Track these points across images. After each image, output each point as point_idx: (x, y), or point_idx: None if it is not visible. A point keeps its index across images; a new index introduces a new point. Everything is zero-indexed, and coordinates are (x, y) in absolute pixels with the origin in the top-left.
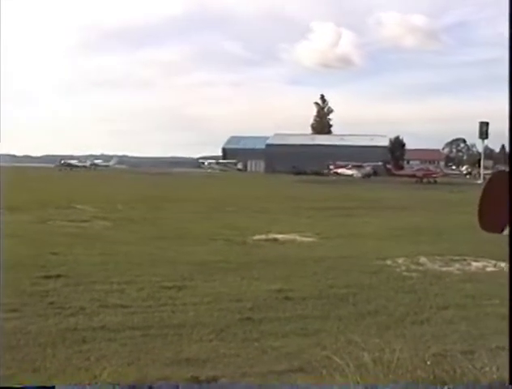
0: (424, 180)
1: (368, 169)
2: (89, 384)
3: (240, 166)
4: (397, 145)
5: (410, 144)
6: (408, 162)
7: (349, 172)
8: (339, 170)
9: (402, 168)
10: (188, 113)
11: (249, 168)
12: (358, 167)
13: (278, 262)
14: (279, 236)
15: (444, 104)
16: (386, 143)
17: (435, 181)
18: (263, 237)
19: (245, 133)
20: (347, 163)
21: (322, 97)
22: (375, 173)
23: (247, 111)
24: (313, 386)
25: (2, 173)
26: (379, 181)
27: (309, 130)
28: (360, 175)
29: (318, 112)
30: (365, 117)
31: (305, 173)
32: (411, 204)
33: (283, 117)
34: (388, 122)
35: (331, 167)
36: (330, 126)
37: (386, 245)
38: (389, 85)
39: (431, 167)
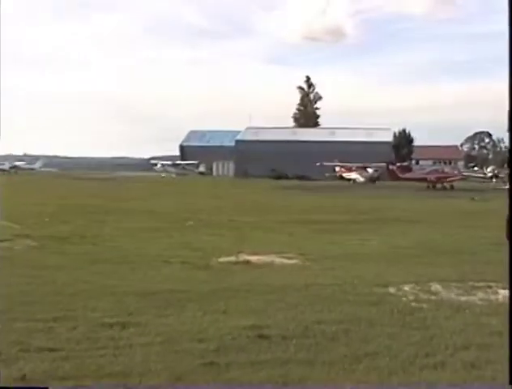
0: (438, 185)
1: (371, 172)
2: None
3: (202, 169)
4: (403, 141)
5: (420, 140)
6: (418, 162)
7: (354, 175)
8: (346, 174)
9: (410, 170)
10: (135, 102)
11: (214, 171)
12: (361, 169)
13: (251, 290)
14: (253, 257)
15: (462, 88)
16: (389, 138)
17: (452, 187)
18: (232, 259)
19: (209, 126)
20: (352, 165)
21: (308, 80)
22: (377, 177)
23: (211, 98)
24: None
25: None
26: (381, 186)
27: (291, 123)
28: (362, 179)
29: (302, 99)
30: (362, 105)
31: (286, 178)
32: (421, 216)
33: (258, 105)
34: (392, 112)
35: (337, 169)
36: (318, 116)
37: (389, 269)
38: (392, 64)
39: (447, 168)
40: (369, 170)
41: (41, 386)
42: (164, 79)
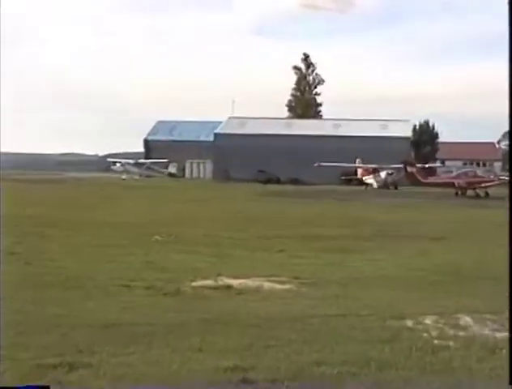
0: (470, 191)
1: (384, 176)
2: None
3: (173, 169)
4: (426, 136)
5: (446, 135)
6: (443, 163)
7: (369, 180)
8: (367, 177)
9: (433, 172)
10: (87, 84)
11: (187, 172)
12: (374, 172)
13: (232, 322)
14: (235, 281)
15: (500, 68)
16: (407, 132)
17: (486, 194)
18: (210, 283)
19: (182, 116)
20: (366, 166)
21: (306, 58)
22: (393, 182)
23: (183, 79)
24: None
25: None
26: (397, 193)
27: (285, 112)
28: (374, 185)
29: (299, 82)
30: (374, 90)
31: (278, 181)
32: (446, 231)
33: (243, 89)
34: (411, 99)
35: (359, 171)
36: (318, 105)
37: (405, 297)
38: (411, 40)
39: (480, 171)
40: (382, 174)
41: (42, 385)
42: (125, 55)
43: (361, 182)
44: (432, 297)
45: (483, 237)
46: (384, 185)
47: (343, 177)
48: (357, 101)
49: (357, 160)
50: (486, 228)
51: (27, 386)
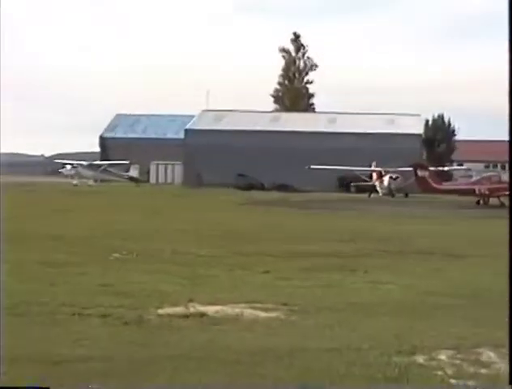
0: (494, 200)
1: (387, 181)
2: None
3: (135, 173)
4: (440, 133)
5: (465, 132)
6: (461, 165)
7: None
8: (378, 182)
9: (449, 177)
10: (30, 70)
11: (152, 176)
12: (379, 177)
13: (207, 358)
14: (211, 308)
15: None
16: (418, 128)
17: None
18: (180, 310)
19: (145, 108)
20: (373, 169)
21: (296, 39)
22: (401, 188)
23: (148, 65)
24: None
25: None
26: (406, 202)
27: (270, 104)
28: (380, 193)
29: (287, 68)
30: (378, 79)
31: (261, 187)
32: (464, 247)
33: (220, 77)
34: (422, 90)
35: (375, 175)
36: (311, 95)
37: (415, 326)
38: (420, 18)
39: (505, 175)
40: (385, 179)
41: (42, 387)
42: (79, 39)
43: (362, 189)
44: (447, 327)
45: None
46: (389, 192)
47: (352, 184)
48: (357, 91)
49: (373, 164)
50: None
51: (27, 386)
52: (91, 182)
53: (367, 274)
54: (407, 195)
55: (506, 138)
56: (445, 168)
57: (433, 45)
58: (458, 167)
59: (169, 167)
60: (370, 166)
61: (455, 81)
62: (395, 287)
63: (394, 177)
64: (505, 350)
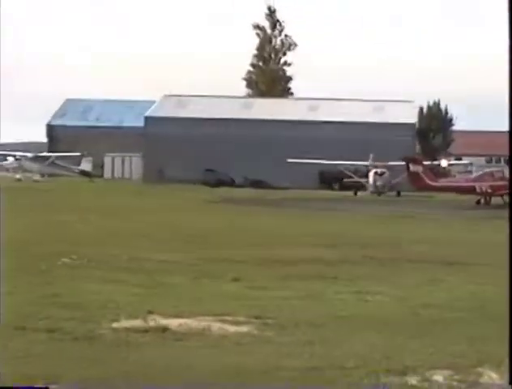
0: (496, 198)
1: (372, 178)
2: None
3: (87, 166)
4: (436, 122)
5: (463, 121)
6: (460, 159)
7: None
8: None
9: (446, 172)
10: None
11: (107, 170)
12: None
13: (169, 379)
14: (174, 321)
15: None
16: (411, 117)
17: None
18: (138, 323)
19: (100, 93)
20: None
21: (271, 14)
22: (392, 186)
23: (103, 44)
24: None
25: None
26: (397, 201)
27: (242, 88)
28: (369, 190)
29: (262, 47)
30: (365, 60)
31: (231, 184)
32: (463, 254)
33: (184, 57)
34: (416, 73)
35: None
36: (289, 79)
37: (409, 344)
38: None
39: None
40: (370, 175)
41: (41, 386)
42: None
43: (347, 186)
44: (444, 344)
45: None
46: (375, 190)
47: (344, 180)
48: (342, 74)
49: (370, 156)
50: None
51: (27, 387)
52: (37, 177)
53: (352, 283)
54: (399, 194)
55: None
56: (442, 163)
57: (428, 24)
58: (457, 161)
59: (127, 160)
60: (357, 160)
61: (454, 65)
62: (385, 298)
63: (379, 172)
64: (507, 369)
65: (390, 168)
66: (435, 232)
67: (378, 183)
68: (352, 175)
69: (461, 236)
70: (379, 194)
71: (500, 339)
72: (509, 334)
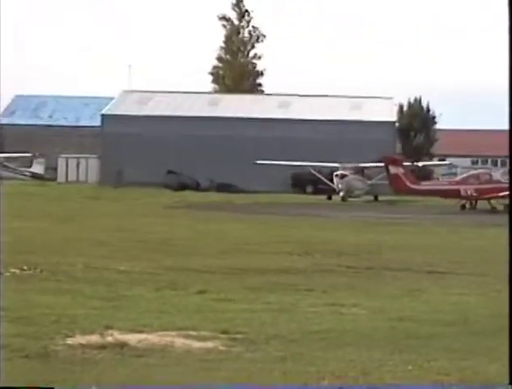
0: (482, 203)
1: (335, 181)
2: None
3: (39, 169)
4: (418, 120)
5: (447, 119)
6: (444, 160)
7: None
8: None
9: (429, 174)
10: None
11: (61, 173)
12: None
13: None
14: (133, 337)
15: None
16: (391, 114)
17: (507, 207)
18: (94, 339)
19: (53, 88)
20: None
21: (238, 3)
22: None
23: (55, 35)
24: None
25: None
26: (375, 206)
27: (208, 84)
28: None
29: (229, 39)
30: (341, 53)
31: (196, 187)
32: (448, 263)
33: (145, 50)
34: (395, 67)
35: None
36: (259, 74)
37: (387, 360)
38: None
39: (497, 173)
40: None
41: (46, 387)
42: None
43: (321, 190)
44: (425, 360)
45: (501, 272)
46: (346, 193)
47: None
48: (316, 68)
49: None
50: (507, 259)
51: (28, 387)
52: None
53: (327, 295)
54: (376, 198)
55: (499, 126)
56: (424, 164)
57: (408, 13)
58: (440, 162)
59: (82, 161)
60: (332, 161)
61: (436, 58)
62: (362, 311)
63: (339, 174)
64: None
65: (363, 170)
66: (415, 239)
67: (341, 186)
68: (322, 178)
69: (443, 243)
70: (343, 198)
71: (485, 355)
72: (509, 334)
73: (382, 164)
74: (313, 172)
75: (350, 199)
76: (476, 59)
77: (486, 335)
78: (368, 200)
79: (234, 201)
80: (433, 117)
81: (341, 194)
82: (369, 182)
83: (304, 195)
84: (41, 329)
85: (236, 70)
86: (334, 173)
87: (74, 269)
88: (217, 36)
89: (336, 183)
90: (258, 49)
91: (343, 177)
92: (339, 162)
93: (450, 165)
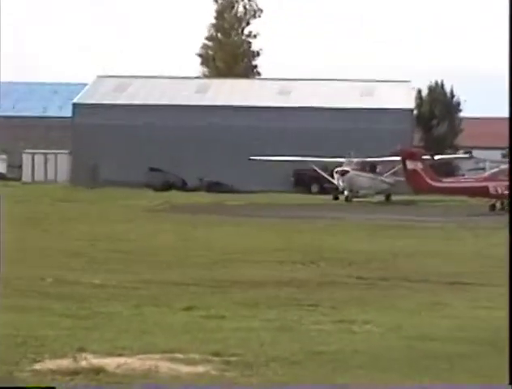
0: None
1: (336, 178)
2: None
3: (0, 167)
4: (439, 108)
5: (473, 106)
6: (470, 153)
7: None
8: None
9: (453, 170)
10: None
11: (27, 171)
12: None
13: None
14: (111, 361)
15: None
16: (408, 101)
17: None
18: (66, 363)
19: (16, 74)
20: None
21: None
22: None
23: (18, 15)
24: None
25: None
26: (387, 206)
27: (196, 67)
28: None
29: (221, 15)
30: (350, 31)
31: (183, 187)
32: (475, 273)
33: (123, 29)
34: (413, 48)
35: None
36: (255, 55)
37: (405, 385)
38: None
39: None
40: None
41: (48, 386)
42: None
43: (328, 189)
44: (448, 386)
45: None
46: (351, 193)
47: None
48: (321, 49)
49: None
50: None
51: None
52: None
53: (335, 310)
54: (388, 198)
55: None
56: (447, 157)
57: None
58: (466, 155)
59: (51, 158)
60: (340, 156)
61: (461, 38)
62: (375, 329)
63: (340, 171)
64: None
65: (375, 165)
66: (435, 246)
67: (343, 184)
68: (325, 175)
69: (469, 250)
70: (346, 199)
71: None
72: (510, 335)
73: (398, 159)
74: (314, 168)
75: (356, 200)
76: (503, 38)
77: None
78: (379, 201)
79: (226, 202)
80: (458, 104)
81: (346, 193)
82: (380, 179)
83: (308, 195)
84: (5, 353)
85: (229, 50)
86: (335, 170)
87: (43, 283)
88: (207, 12)
89: (337, 181)
90: (254, 26)
91: (343, 173)
92: (347, 157)
93: (475, 159)
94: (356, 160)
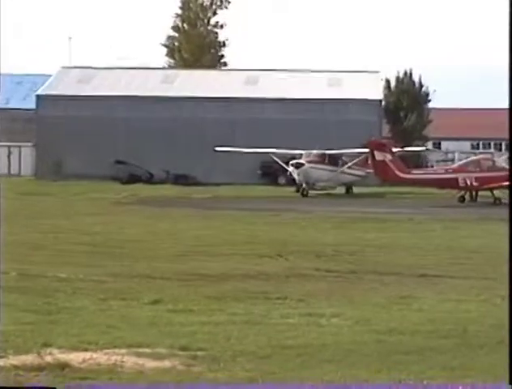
0: (483, 194)
1: (291, 171)
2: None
3: None
4: (408, 98)
5: (442, 97)
6: (439, 145)
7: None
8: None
9: (421, 161)
10: None
11: None
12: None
13: None
14: (75, 356)
15: None
16: (377, 92)
17: None
18: (30, 359)
19: None
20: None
21: None
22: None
23: None
24: None
25: None
26: (354, 198)
27: (162, 58)
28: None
29: (187, 4)
30: (318, 21)
31: (148, 180)
32: (444, 265)
33: (87, 19)
34: (382, 38)
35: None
36: (221, 45)
37: (374, 379)
38: None
39: (501, 159)
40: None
41: (46, 387)
42: None
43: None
44: (418, 380)
45: (506, 275)
46: (307, 186)
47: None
48: (288, 39)
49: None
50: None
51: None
52: None
53: (303, 303)
54: (348, 190)
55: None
56: (416, 149)
57: None
58: (417, 148)
59: (14, 151)
60: (307, 147)
61: (429, 28)
62: (344, 322)
63: (294, 163)
64: None
65: (338, 157)
66: (404, 238)
67: (299, 177)
68: (286, 167)
69: (437, 241)
70: (302, 192)
71: (489, 371)
72: (510, 334)
73: (364, 150)
74: (276, 160)
75: (313, 192)
76: (474, 28)
77: (489, 349)
78: (338, 193)
79: (193, 195)
80: (427, 95)
81: (303, 186)
82: (341, 171)
83: (275, 187)
84: None
85: (195, 41)
86: (290, 163)
87: (7, 277)
88: (172, 1)
89: (293, 174)
90: (221, 16)
91: (298, 166)
92: (311, 148)
93: (446, 151)
94: (314, 152)
